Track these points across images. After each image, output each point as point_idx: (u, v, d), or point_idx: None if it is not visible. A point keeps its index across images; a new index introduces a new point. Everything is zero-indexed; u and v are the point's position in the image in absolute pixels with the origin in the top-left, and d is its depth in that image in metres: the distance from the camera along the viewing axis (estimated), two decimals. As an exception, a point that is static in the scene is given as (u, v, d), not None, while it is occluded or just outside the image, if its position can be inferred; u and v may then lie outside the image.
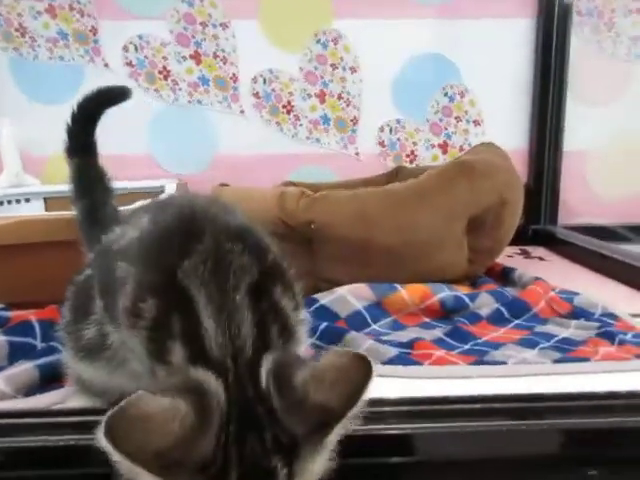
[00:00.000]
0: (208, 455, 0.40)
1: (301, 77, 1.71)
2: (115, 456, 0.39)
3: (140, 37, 1.67)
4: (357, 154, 1.77)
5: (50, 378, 0.77)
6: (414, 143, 1.77)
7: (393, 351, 0.84)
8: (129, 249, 0.56)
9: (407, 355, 0.84)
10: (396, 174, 1.63)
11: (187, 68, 1.70)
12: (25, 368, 0.75)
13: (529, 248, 1.60)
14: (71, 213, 1.00)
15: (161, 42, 1.68)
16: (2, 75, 1.67)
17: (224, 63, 1.70)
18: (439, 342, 0.90)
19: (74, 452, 0.57)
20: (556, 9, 1.68)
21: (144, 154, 1.74)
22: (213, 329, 0.47)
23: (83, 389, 0.69)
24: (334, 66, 1.72)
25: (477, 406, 0.63)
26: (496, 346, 0.88)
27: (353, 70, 1.72)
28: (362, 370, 0.46)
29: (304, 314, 0.60)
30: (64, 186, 1.64)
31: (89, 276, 0.66)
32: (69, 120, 0.78)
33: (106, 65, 1.68)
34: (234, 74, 1.70)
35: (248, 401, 0.43)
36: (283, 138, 1.74)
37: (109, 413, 0.40)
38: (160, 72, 1.69)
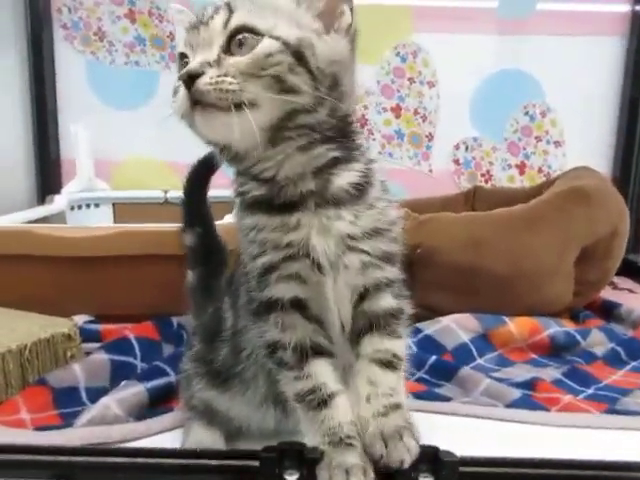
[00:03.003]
0: None
1: (377, 90, 1.67)
2: None
3: (217, 45, 1.65)
4: (430, 171, 1.71)
5: (158, 399, 0.74)
6: (490, 162, 1.70)
7: (516, 392, 0.78)
8: None
9: (530, 397, 0.78)
10: (474, 194, 1.56)
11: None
12: (136, 391, 0.71)
13: (614, 279, 1.51)
14: (168, 226, 0.97)
15: (237, 50, 1.66)
16: (78, 78, 1.67)
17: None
18: (559, 384, 0.83)
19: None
20: (648, 27, 1.60)
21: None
22: None
23: (201, 417, 0.65)
24: (411, 80, 1.67)
25: None
26: (623, 392, 0.82)
27: (431, 85, 1.67)
28: None
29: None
30: (132, 192, 1.66)
31: (217, 307, 0.64)
32: (183, 194, 0.77)
33: (181, 72, 1.66)
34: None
35: None
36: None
37: None
38: (235, 80, 1.67)
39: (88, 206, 1.60)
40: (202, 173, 0.78)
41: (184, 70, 0.47)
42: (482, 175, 1.71)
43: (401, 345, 0.54)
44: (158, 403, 0.73)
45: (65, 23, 1.64)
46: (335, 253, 0.51)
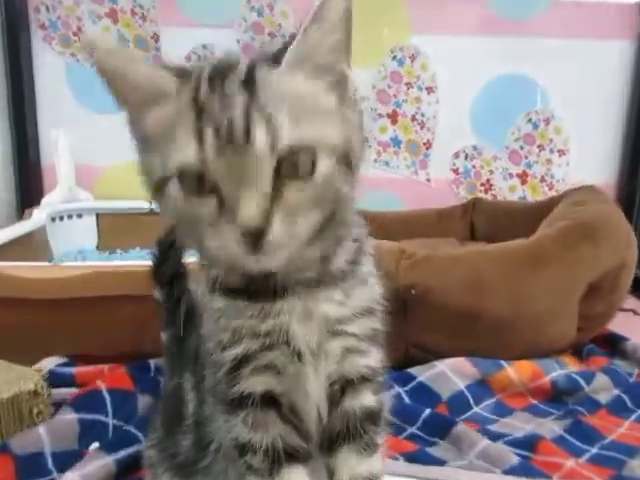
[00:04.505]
0: None
1: (373, 95, 1.58)
2: None
3: (204, 46, 1.56)
4: (428, 180, 1.64)
5: (127, 470, 0.68)
6: (490, 172, 1.63)
7: (514, 457, 0.72)
8: None
9: (529, 460, 0.73)
10: (473, 206, 1.50)
11: (251, 81, 1.58)
12: (103, 464, 0.66)
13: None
14: (142, 264, 0.90)
15: (226, 53, 1.56)
16: (58, 81, 1.59)
17: (291, 77, 1.58)
18: (561, 442, 0.78)
19: None
20: (659, 30, 1.51)
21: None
22: None
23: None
24: (409, 85, 1.59)
25: None
26: (629, 451, 0.76)
27: (430, 90, 1.59)
28: None
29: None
30: (116, 202, 1.59)
31: (178, 384, 0.58)
32: (156, 251, 0.68)
33: (166, 75, 1.58)
34: (301, 89, 1.59)
35: None
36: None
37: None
38: (223, 85, 1.58)
39: (70, 217, 1.53)
40: None
41: (242, 227, 0.37)
42: (482, 185, 1.64)
43: (378, 460, 0.48)
44: (127, 473, 0.68)
45: (43, 23, 1.55)
46: (317, 339, 0.45)
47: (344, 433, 0.47)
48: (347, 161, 0.41)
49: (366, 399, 0.48)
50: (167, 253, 0.67)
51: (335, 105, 0.41)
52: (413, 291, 0.87)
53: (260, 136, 0.37)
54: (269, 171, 0.38)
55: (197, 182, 0.38)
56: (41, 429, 0.71)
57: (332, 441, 0.48)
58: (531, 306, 0.88)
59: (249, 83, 0.39)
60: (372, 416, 0.48)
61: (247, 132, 0.37)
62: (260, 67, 0.40)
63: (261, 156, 0.37)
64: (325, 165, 0.39)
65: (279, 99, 0.38)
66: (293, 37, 0.41)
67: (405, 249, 0.90)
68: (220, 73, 0.40)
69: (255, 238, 0.37)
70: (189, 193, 0.39)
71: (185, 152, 0.38)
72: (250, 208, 0.37)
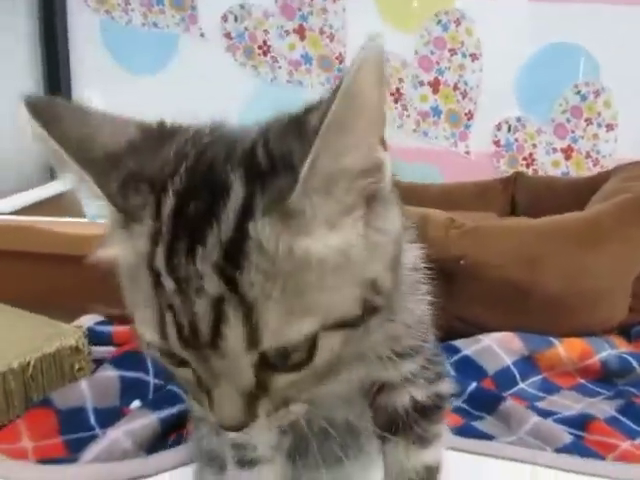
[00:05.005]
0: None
1: (414, 62, 1.52)
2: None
3: (242, 6, 1.51)
4: (468, 153, 1.58)
5: (171, 428, 0.68)
6: (534, 145, 1.56)
7: (566, 436, 0.70)
8: None
9: (582, 440, 0.70)
10: (514, 181, 1.44)
11: (289, 44, 1.53)
12: (146, 423, 0.65)
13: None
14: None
15: (264, 13, 1.52)
16: (93, 38, 1.55)
17: (330, 40, 1.52)
18: (614, 422, 0.75)
19: None
20: None
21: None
22: None
23: (212, 464, 0.58)
24: (453, 51, 1.52)
25: None
26: (686, 434, 0.73)
27: (474, 57, 1.52)
28: None
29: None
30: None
31: None
32: None
33: (202, 35, 1.53)
34: (340, 54, 1.53)
35: None
36: (387, 129, 1.57)
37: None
38: (260, 47, 1.54)
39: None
40: None
41: (219, 424, 0.32)
42: (524, 159, 1.57)
43: (434, 452, 0.43)
44: (171, 432, 0.67)
45: (77, -22, 1.52)
46: None
47: (387, 425, 0.43)
48: (370, 308, 0.31)
49: (411, 396, 0.42)
50: None
51: (358, 238, 0.31)
52: (462, 262, 0.83)
53: (233, 343, 0.28)
54: (247, 368, 0.30)
55: (169, 354, 0.31)
56: (83, 385, 0.71)
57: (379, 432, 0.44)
58: (588, 283, 0.84)
59: (232, 252, 0.27)
60: (422, 410, 0.42)
61: (215, 335, 0.28)
62: (258, 219, 0.28)
63: (234, 359, 0.29)
64: (331, 343, 0.30)
65: (271, 276, 0.28)
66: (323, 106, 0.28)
67: (455, 218, 0.86)
68: (190, 218, 0.28)
69: (236, 429, 0.32)
70: (163, 357, 0.32)
71: (148, 332, 0.31)
72: (225, 409, 0.31)
